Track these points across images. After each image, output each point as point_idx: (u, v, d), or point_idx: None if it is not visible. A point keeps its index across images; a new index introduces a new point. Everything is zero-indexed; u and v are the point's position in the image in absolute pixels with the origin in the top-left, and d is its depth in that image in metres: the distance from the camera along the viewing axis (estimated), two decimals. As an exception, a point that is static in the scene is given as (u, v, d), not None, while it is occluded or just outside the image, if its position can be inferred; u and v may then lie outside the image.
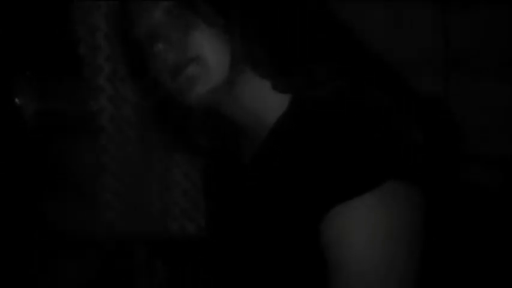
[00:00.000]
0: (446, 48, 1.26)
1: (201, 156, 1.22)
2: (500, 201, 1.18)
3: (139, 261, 1.39)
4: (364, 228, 0.62)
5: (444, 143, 0.76)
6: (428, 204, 0.65)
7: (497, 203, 1.18)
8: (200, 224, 1.39)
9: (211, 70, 0.71)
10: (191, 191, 1.38)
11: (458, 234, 0.86)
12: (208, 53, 0.71)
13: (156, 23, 0.73)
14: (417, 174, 0.64)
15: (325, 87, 0.69)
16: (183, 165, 1.38)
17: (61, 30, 1.35)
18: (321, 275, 0.65)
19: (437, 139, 0.74)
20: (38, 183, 1.37)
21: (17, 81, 1.34)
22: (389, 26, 1.30)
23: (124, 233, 1.39)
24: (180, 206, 1.37)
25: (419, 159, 0.66)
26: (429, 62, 1.27)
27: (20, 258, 1.29)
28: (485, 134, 1.28)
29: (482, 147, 1.27)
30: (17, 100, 1.21)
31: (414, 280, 0.63)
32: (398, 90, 0.73)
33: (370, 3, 1.29)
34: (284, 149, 0.70)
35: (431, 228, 0.65)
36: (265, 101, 0.74)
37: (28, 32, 1.36)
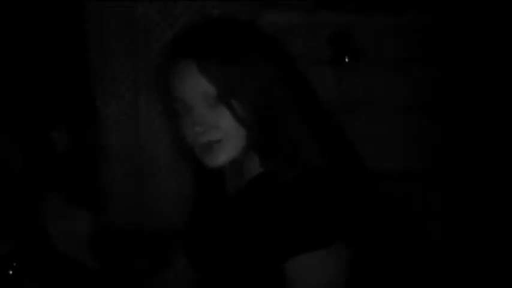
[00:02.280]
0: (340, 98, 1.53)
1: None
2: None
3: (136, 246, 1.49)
4: (316, 271, 0.77)
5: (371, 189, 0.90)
6: (352, 257, 0.81)
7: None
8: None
9: (230, 149, 0.83)
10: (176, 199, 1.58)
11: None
12: (231, 138, 0.82)
13: (196, 108, 0.82)
14: (349, 238, 0.79)
15: (293, 173, 0.79)
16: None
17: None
18: None
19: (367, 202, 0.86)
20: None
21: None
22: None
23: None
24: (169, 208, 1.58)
25: (353, 227, 0.80)
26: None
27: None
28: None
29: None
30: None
31: None
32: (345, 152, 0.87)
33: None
34: (262, 201, 0.82)
35: (354, 271, 0.81)
36: (252, 164, 0.87)
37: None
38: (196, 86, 0.81)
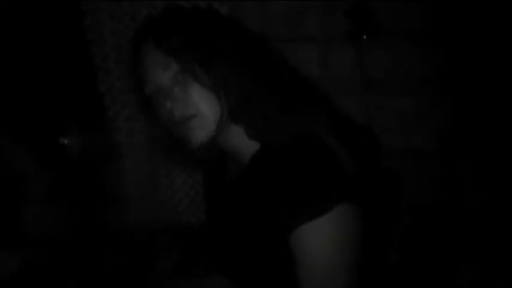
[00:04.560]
0: (362, 75, 1.50)
1: (199, 169, 1.44)
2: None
3: (160, 246, 1.52)
4: (322, 240, 0.74)
5: (369, 162, 0.87)
6: (364, 215, 0.77)
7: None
8: (201, 218, 1.58)
9: (207, 123, 0.82)
10: (192, 194, 1.58)
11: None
12: (205, 110, 0.81)
13: (164, 85, 0.82)
14: (355, 195, 0.76)
15: (283, 136, 0.79)
16: (185, 174, 1.57)
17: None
18: (287, 270, 0.77)
19: (366, 162, 0.84)
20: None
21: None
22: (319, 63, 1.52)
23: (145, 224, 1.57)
24: (185, 205, 1.59)
25: (355, 184, 0.77)
26: (351, 87, 1.52)
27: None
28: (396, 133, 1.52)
29: (395, 142, 1.52)
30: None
31: (356, 272, 0.76)
32: (338, 124, 0.83)
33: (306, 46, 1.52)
34: (258, 179, 0.80)
35: (367, 232, 0.77)
36: (243, 142, 0.85)
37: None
38: (159, 64, 0.81)
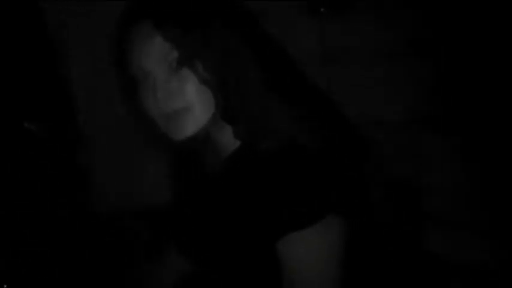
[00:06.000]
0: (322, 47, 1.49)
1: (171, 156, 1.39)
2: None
3: (130, 230, 1.52)
4: (308, 249, 0.74)
5: (357, 169, 0.85)
6: (348, 225, 0.76)
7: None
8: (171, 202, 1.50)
9: (199, 118, 0.77)
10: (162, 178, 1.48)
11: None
12: (197, 104, 0.76)
13: (157, 73, 0.76)
14: (343, 206, 0.75)
15: (272, 140, 0.75)
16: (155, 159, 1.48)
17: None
18: (273, 276, 0.77)
19: (354, 170, 0.83)
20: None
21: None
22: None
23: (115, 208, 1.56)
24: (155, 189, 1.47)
25: (344, 195, 0.76)
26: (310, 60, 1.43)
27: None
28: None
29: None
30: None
31: (340, 278, 0.75)
32: (330, 129, 0.81)
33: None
34: (244, 180, 0.78)
35: (351, 243, 0.77)
36: (226, 138, 0.82)
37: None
38: (155, 49, 0.75)
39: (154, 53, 0.75)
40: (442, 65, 1.46)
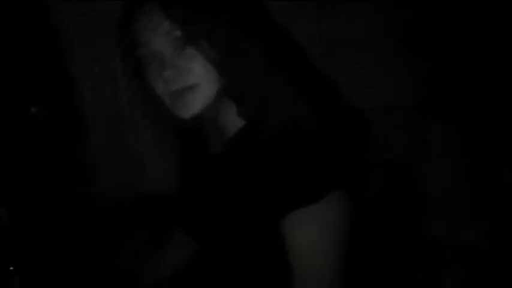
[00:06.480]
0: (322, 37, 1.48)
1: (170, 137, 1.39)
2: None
3: (130, 216, 1.51)
4: (313, 227, 0.74)
5: (360, 148, 0.89)
6: (352, 203, 0.77)
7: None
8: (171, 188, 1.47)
9: (205, 95, 0.79)
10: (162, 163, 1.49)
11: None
12: (203, 82, 0.79)
13: (165, 52, 0.78)
14: (346, 183, 0.76)
15: (274, 119, 0.77)
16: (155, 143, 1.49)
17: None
18: (279, 257, 0.78)
19: (357, 149, 0.87)
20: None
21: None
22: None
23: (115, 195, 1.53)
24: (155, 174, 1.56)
25: (347, 173, 0.77)
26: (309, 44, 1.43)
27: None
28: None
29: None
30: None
31: (345, 258, 0.76)
32: (333, 110, 0.83)
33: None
34: (247, 160, 0.79)
35: (356, 221, 0.78)
36: (230, 117, 0.84)
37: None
38: (162, 28, 0.77)
39: (161, 33, 0.78)
40: (444, 53, 1.47)
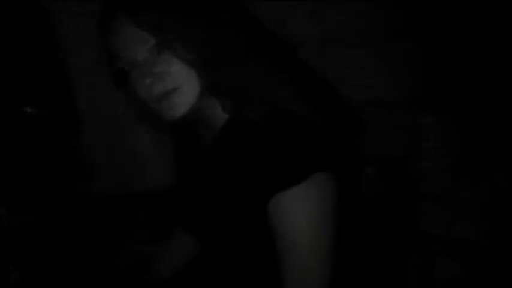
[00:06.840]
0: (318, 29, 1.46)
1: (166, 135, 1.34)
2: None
3: (129, 214, 1.51)
4: (298, 209, 0.75)
5: (347, 135, 0.91)
6: (339, 183, 0.78)
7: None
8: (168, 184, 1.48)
9: (188, 97, 0.80)
10: (159, 160, 1.56)
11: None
12: (184, 84, 0.79)
13: (141, 61, 0.78)
14: (330, 165, 0.77)
15: (258, 112, 0.78)
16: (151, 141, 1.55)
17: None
18: (262, 239, 0.79)
19: (343, 135, 0.86)
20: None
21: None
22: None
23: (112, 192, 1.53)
24: (152, 171, 1.57)
25: (330, 154, 0.77)
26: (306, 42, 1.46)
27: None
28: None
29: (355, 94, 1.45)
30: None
31: (334, 239, 0.77)
32: (317, 100, 0.82)
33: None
34: (233, 150, 0.81)
35: (343, 200, 0.79)
36: (216, 113, 0.86)
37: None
38: (134, 37, 0.77)
39: (134, 42, 0.78)
40: (440, 46, 1.46)
